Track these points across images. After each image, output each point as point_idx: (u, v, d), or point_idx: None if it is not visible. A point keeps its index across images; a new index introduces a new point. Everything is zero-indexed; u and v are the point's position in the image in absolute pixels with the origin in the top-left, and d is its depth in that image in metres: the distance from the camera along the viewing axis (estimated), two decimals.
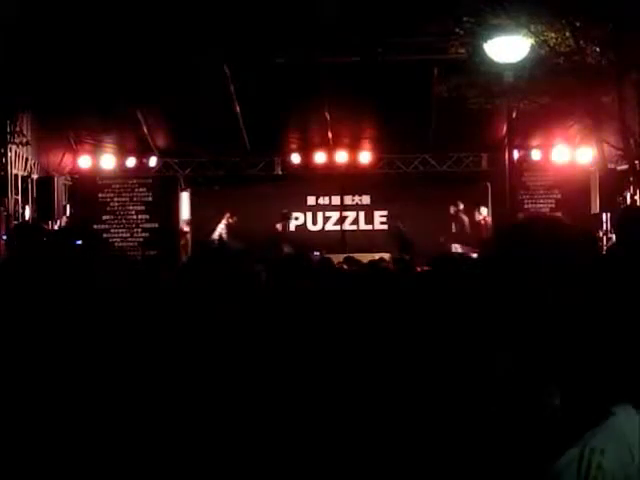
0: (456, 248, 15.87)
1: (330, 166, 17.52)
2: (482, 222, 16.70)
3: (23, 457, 3.14)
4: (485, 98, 13.91)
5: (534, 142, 16.96)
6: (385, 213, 18.34)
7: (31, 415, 3.21)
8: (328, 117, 16.46)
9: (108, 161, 17.46)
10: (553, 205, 17.18)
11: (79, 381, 3.38)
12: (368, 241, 17.27)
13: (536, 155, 17.05)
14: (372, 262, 8.42)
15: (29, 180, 15.93)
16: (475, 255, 15.24)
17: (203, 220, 17.64)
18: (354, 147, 17.43)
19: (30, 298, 4.17)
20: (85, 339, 3.58)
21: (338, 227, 18.30)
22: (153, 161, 17.52)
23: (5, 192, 14.85)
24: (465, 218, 16.89)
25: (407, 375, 3.59)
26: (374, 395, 3.47)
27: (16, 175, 15.37)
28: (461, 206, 16.92)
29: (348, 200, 18.53)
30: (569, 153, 16.98)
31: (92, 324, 3.76)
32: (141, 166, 17.53)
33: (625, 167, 14.84)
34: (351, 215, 18.44)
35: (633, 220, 4.40)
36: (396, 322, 4.13)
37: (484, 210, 16.70)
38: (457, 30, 13.13)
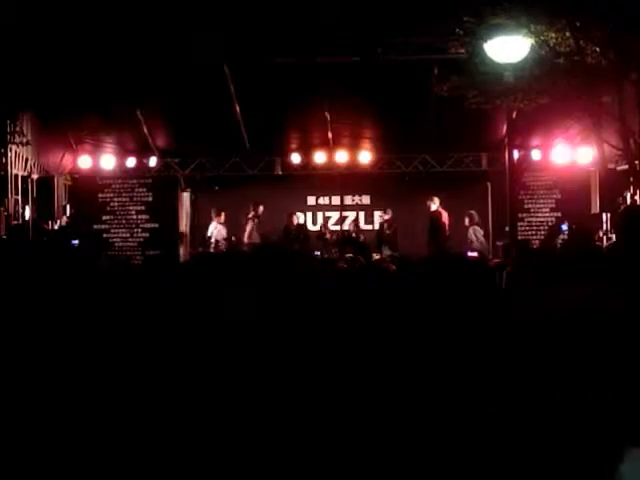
0: None
1: (330, 166, 17.51)
2: (436, 213, 16.66)
3: (23, 457, 3.14)
4: (485, 98, 13.89)
5: (534, 142, 16.95)
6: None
7: (30, 414, 3.20)
8: (328, 117, 16.45)
9: (108, 161, 17.46)
10: (553, 205, 17.17)
11: (78, 381, 3.38)
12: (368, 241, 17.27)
13: (536, 155, 17.03)
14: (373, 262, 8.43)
15: (29, 180, 15.93)
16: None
17: (203, 220, 17.62)
18: (354, 147, 17.42)
19: (28, 297, 4.17)
20: (84, 338, 3.58)
21: (338, 227, 18.30)
22: (153, 161, 17.51)
23: (5, 192, 14.86)
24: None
25: (407, 375, 3.58)
26: (374, 394, 3.46)
27: (16, 175, 15.37)
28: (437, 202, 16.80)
29: (348, 200, 18.54)
30: (569, 153, 16.97)
31: (91, 323, 3.76)
32: (141, 166, 17.52)
33: (625, 167, 14.82)
34: (351, 215, 18.44)
35: (634, 220, 4.40)
36: (396, 322, 4.12)
37: (437, 200, 16.67)
38: (457, 30, 13.11)
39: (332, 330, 4.07)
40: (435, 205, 16.67)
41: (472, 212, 16.55)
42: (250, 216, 16.98)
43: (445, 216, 16.54)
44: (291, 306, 4.37)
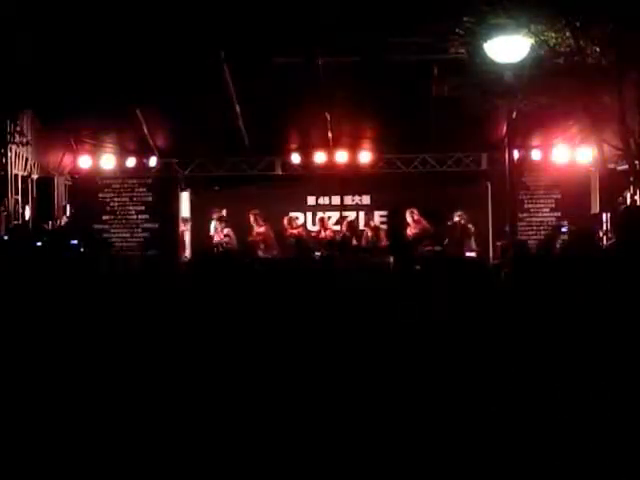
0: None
1: (330, 166, 17.49)
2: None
3: (23, 456, 3.13)
4: (485, 98, 13.90)
5: (534, 142, 16.94)
6: (385, 213, 18.31)
7: (31, 412, 3.20)
8: (328, 117, 16.44)
9: (108, 161, 17.44)
10: (553, 205, 17.16)
11: (79, 378, 3.38)
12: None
13: (536, 155, 17.02)
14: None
15: (29, 180, 15.93)
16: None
17: (203, 220, 17.62)
18: (354, 147, 17.39)
19: (29, 296, 4.17)
20: (86, 335, 3.58)
21: (338, 227, 18.26)
22: (153, 161, 17.50)
23: (5, 192, 14.86)
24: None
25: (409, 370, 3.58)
26: (375, 390, 3.46)
27: (16, 175, 15.38)
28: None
29: (348, 200, 18.50)
30: (569, 153, 16.95)
31: (93, 320, 3.76)
32: (141, 166, 17.51)
33: (625, 167, 14.83)
34: (351, 215, 18.41)
35: (633, 220, 4.40)
36: (397, 319, 4.12)
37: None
38: (457, 30, 13.12)
39: (333, 327, 4.07)
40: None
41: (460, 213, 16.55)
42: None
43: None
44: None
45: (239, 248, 16.49)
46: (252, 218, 16.99)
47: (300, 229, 17.26)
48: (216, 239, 16.88)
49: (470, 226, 16.61)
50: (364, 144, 17.43)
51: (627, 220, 4.48)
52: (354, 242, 16.96)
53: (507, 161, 12.48)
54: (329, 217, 18.31)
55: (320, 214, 18.22)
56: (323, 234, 17.39)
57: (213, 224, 17.16)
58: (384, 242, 16.85)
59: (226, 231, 16.93)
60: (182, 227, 17.62)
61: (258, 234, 16.97)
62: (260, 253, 16.63)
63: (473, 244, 16.53)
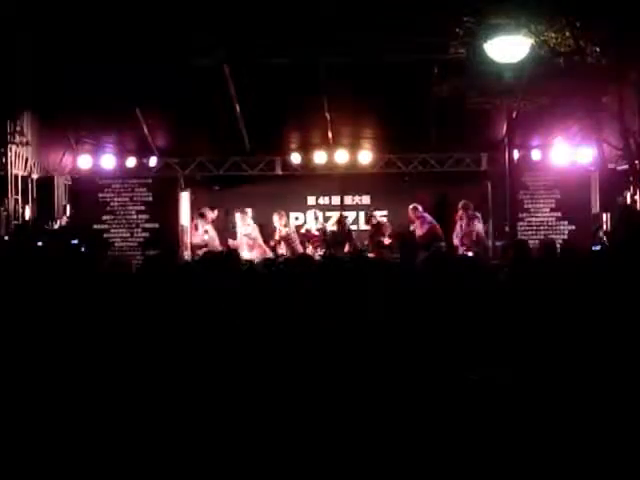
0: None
1: (330, 166, 17.50)
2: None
3: (23, 456, 3.13)
4: (485, 98, 13.91)
5: (534, 142, 16.94)
6: (385, 213, 18.31)
7: (31, 412, 3.20)
8: (328, 117, 16.44)
9: (108, 161, 17.44)
10: (553, 205, 17.15)
11: (79, 379, 3.38)
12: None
13: (536, 155, 17.01)
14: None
15: (29, 180, 15.94)
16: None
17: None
18: (354, 147, 17.40)
19: (30, 297, 4.16)
20: (86, 336, 3.58)
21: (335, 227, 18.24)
22: (153, 161, 17.50)
23: (5, 192, 14.87)
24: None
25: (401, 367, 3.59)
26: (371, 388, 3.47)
27: (16, 175, 15.38)
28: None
29: (348, 200, 18.52)
30: (569, 153, 16.96)
31: (93, 321, 3.76)
32: (141, 166, 17.50)
33: (625, 167, 14.84)
34: (351, 215, 18.41)
35: (633, 218, 4.41)
36: (393, 319, 4.13)
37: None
38: (457, 30, 13.12)
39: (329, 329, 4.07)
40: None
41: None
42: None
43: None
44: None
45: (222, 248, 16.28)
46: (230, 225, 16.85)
47: (288, 232, 17.02)
48: (197, 240, 16.75)
49: (476, 214, 16.41)
50: (364, 144, 17.43)
51: (626, 217, 4.49)
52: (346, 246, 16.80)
53: (507, 161, 12.50)
54: (328, 217, 18.32)
55: (319, 214, 18.20)
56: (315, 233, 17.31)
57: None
58: (386, 240, 16.76)
59: (207, 228, 16.73)
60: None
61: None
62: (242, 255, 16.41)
63: (483, 235, 16.39)
